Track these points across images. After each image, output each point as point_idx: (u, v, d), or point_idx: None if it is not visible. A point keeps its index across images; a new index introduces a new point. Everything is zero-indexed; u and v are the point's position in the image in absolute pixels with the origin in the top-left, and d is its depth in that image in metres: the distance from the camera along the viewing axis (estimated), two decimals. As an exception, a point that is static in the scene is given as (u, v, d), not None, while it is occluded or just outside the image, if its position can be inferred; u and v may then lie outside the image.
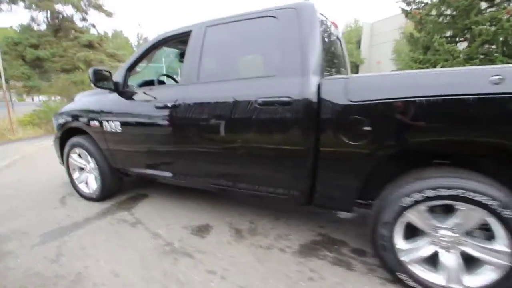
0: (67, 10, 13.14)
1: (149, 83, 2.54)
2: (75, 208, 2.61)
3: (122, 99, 2.27)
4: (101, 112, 2.37)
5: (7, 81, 10.11)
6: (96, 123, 2.41)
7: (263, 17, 1.70)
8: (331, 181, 1.54)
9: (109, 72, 2.20)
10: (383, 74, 1.42)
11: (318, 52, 1.55)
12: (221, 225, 2.20)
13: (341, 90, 1.39)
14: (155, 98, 2.09)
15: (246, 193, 1.89)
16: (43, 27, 13.15)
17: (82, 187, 2.79)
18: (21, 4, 12.60)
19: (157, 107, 2.02)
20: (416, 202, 1.28)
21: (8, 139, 7.22)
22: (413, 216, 1.32)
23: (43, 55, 11.12)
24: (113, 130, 2.31)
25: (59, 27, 12.50)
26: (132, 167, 2.41)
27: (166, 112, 1.98)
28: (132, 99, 2.24)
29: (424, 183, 1.26)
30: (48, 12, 12.65)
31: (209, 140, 1.85)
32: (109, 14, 13.10)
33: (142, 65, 2.57)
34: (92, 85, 2.15)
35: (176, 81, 3.02)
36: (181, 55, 2.96)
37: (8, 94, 8.97)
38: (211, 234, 2.08)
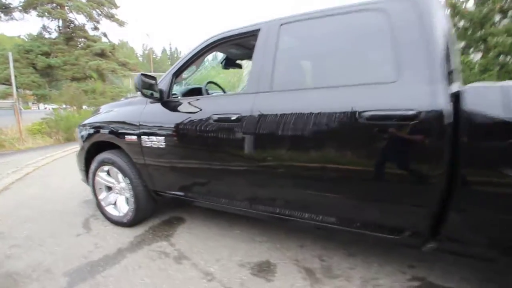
0: (79, 19, 13.14)
1: (193, 91, 2.20)
2: (102, 235, 2.24)
3: (167, 110, 1.93)
4: (139, 124, 2.03)
5: (16, 88, 9.92)
6: (133, 137, 2.06)
7: (362, 10, 1.37)
8: (473, 221, 1.16)
9: (155, 79, 1.87)
10: None
11: (449, 52, 1.20)
12: (285, 263, 1.81)
13: (497, 103, 1.03)
14: (209, 109, 1.75)
15: (327, 227, 1.51)
16: (54, 35, 13.11)
17: (109, 209, 2.42)
18: (33, 13, 12.61)
19: (216, 120, 1.67)
20: None
21: (17, 149, 6.92)
22: None
23: (55, 63, 10.98)
24: (154, 146, 1.95)
25: (71, 36, 12.43)
26: (176, 189, 2.04)
27: (227, 126, 1.63)
28: (179, 110, 1.89)
29: None
30: (60, 20, 12.62)
31: (287, 160, 1.49)
32: (121, 24, 13.05)
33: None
34: (138, 92, 1.81)
35: (223, 90, 2.69)
36: (227, 62, 2.64)
37: (17, 102, 8.73)
38: (277, 276, 1.68)
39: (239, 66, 2.74)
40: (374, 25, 1.33)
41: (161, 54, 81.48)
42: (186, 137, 1.83)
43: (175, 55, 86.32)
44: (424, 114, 1.13)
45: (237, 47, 2.31)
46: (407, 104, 1.17)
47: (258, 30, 1.66)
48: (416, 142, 1.17)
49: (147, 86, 1.81)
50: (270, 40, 1.58)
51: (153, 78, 1.86)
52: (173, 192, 2.07)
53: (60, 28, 12.87)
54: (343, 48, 1.43)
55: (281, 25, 1.58)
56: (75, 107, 9.91)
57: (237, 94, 2.10)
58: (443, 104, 1.11)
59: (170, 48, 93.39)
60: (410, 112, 1.15)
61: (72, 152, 6.09)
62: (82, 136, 2.50)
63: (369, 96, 1.26)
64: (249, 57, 2.58)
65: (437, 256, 1.83)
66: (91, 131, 2.40)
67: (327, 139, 1.36)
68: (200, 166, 1.83)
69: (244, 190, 1.73)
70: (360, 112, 1.25)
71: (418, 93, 1.16)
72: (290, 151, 1.47)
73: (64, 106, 10.46)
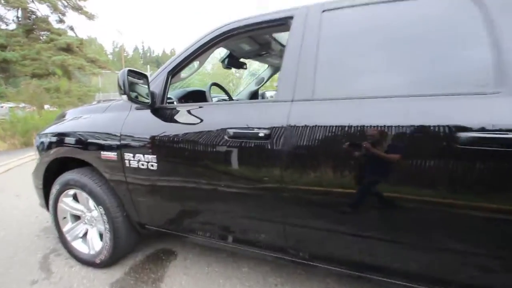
0: (42, 9, 11.89)
1: (192, 95, 1.74)
2: (67, 282, 1.70)
3: (161, 120, 1.46)
4: (120, 137, 1.53)
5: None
6: (111, 154, 1.55)
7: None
8: None
9: (146, 77, 1.39)
10: None
11: None
12: (316, 318, 1.42)
13: None
14: (221, 120, 1.31)
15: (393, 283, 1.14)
16: (12, 27, 11.73)
17: (77, 245, 1.87)
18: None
19: (233, 137, 1.24)
20: None
21: (-38, 156, 5.89)
22: None
23: (12, 57, 9.75)
24: (142, 167, 1.47)
25: (32, 28, 11.18)
26: (172, 224, 1.57)
27: (251, 145, 1.20)
28: (179, 121, 1.42)
29: None
30: (20, 10, 11.32)
31: (335, 188, 1.10)
32: (90, 17, 11.99)
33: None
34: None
35: (228, 95, 2.23)
36: (230, 61, 2.19)
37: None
38: None
39: (244, 66, 2.32)
40: (456, 15, 0.99)
41: (132, 52, 78.20)
42: (189, 157, 1.36)
43: (148, 54, 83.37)
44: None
45: (249, 41, 1.88)
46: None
47: (290, 18, 1.26)
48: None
49: (133, 87, 1.34)
50: (309, 31, 1.19)
51: (144, 75, 1.39)
52: (168, 228, 1.60)
53: (19, 18, 11.55)
54: (415, 46, 1.07)
55: (324, 11, 1.20)
56: (35, 107, 8.84)
57: (261, 102, 1.67)
58: None
59: (143, 47, 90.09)
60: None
61: (30, 160, 5.25)
62: (40, 148, 1.93)
63: (462, 111, 0.91)
64: (259, 55, 2.18)
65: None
66: (53, 142, 1.85)
67: (400, 165, 1.00)
68: (210, 195, 1.38)
69: (273, 229, 1.31)
70: (449, 133, 0.90)
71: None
72: (340, 180, 1.08)
73: (22, 105, 9.32)
